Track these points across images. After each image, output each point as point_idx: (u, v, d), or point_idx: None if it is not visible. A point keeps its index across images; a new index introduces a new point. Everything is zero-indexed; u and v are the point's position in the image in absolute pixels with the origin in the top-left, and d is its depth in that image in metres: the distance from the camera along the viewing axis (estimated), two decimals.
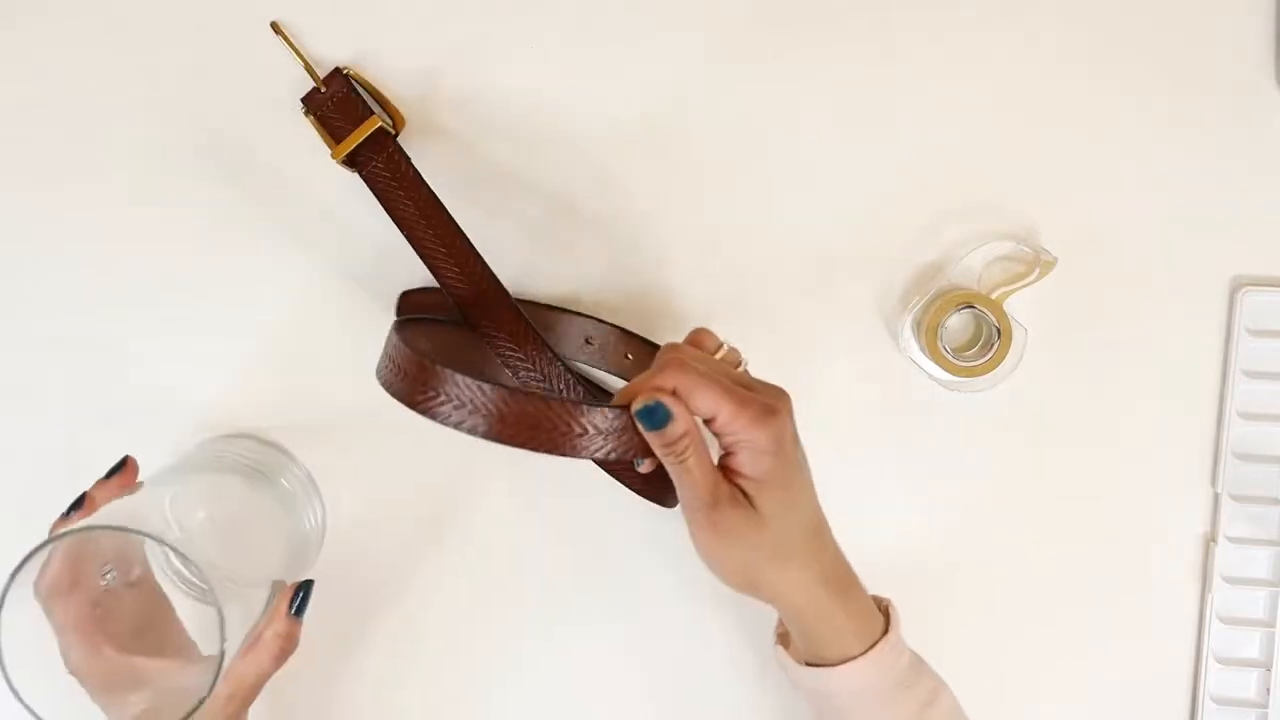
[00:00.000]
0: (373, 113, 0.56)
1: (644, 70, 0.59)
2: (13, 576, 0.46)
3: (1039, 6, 0.58)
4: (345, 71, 0.57)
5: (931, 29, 0.59)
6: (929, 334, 0.59)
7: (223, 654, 0.49)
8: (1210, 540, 0.60)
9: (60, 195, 0.61)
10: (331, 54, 0.58)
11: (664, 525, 0.60)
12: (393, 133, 0.57)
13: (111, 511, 0.51)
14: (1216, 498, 0.60)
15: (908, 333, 0.60)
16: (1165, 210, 0.59)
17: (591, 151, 0.60)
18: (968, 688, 0.62)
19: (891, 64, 0.59)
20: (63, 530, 0.47)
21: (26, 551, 0.47)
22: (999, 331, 0.58)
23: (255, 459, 0.60)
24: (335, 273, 0.61)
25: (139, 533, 0.49)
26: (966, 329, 0.60)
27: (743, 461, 0.48)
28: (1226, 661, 0.60)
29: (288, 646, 0.52)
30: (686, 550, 0.50)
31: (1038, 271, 0.58)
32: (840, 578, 0.51)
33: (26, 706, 0.47)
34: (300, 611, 0.53)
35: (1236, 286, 0.59)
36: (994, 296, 0.59)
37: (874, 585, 0.61)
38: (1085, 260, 0.59)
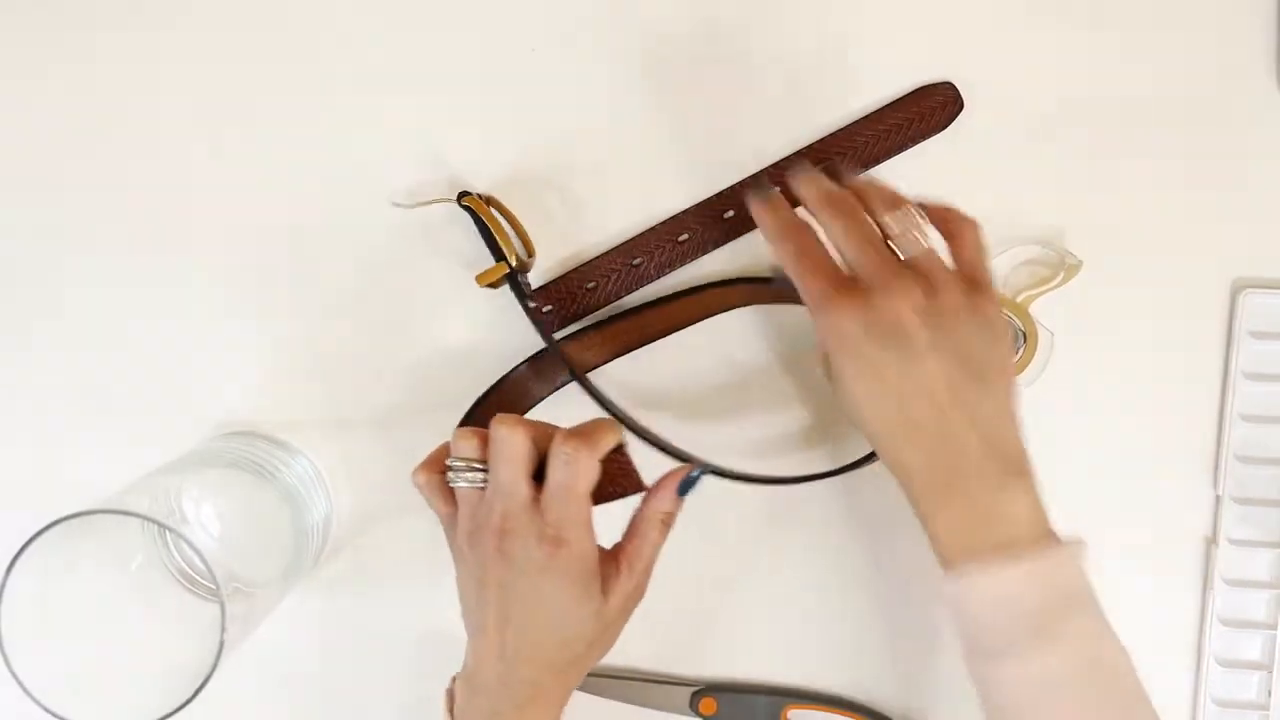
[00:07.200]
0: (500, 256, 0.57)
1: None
2: (12, 564, 0.47)
3: (1039, 6, 0.59)
4: (465, 203, 0.58)
5: (936, 31, 0.59)
6: None
7: (221, 645, 0.49)
8: (1211, 542, 0.60)
9: (72, 198, 0.62)
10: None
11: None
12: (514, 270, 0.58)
13: (118, 501, 0.51)
14: (1218, 500, 0.60)
15: None
16: (1165, 211, 0.59)
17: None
18: (970, 686, 0.62)
19: (902, 68, 0.59)
20: (63, 515, 0.47)
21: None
22: (1025, 335, 0.58)
23: (261, 455, 0.60)
24: (343, 269, 0.62)
25: (148, 518, 0.49)
26: None
27: None
28: (1228, 663, 0.60)
29: (669, 521, 0.51)
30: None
31: (1063, 275, 0.58)
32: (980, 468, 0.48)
33: (28, 692, 0.48)
34: (685, 492, 0.51)
35: (1238, 288, 0.59)
36: (1019, 300, 0.59)
37: (891, 582, 0.62)
38: (1085, 262, 0.59)
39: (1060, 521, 0.60)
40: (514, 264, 0.57)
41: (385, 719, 0.64)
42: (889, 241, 0.49)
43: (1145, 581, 0.61)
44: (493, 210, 0.58)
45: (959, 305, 0.48)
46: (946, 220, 0.50)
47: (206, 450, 0.61)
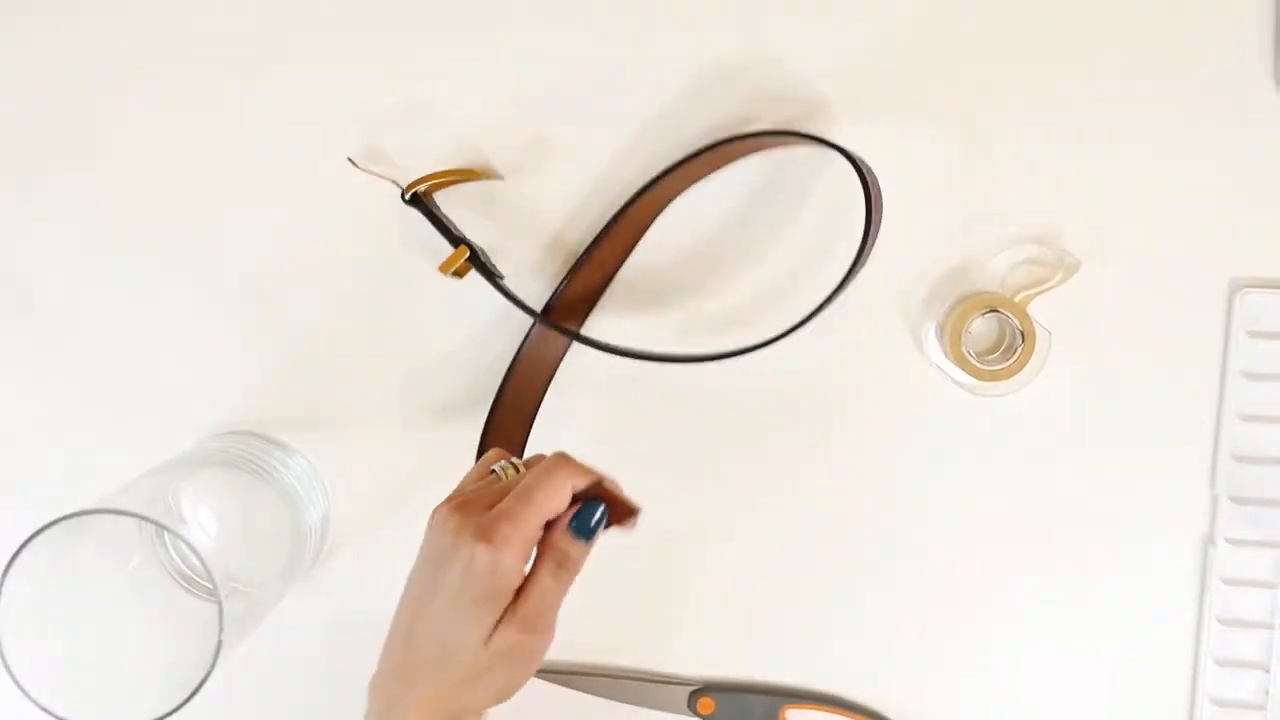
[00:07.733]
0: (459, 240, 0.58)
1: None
2: (9, 565, 0.47)
3: (1039, 8, 0.59)
4: (418, 192, 0.58)
5: (939, 32, 0.59)
6: (953, 338, 0.59)
7: (219, 645, 0.49)
8: (1209, 542, 0.60)
9: (70, 199, 0.62)
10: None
11: (655, 531, 0.60)
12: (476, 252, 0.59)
13: (116, 500, 0.51)
14: (1215, 499, 0.60)
15: (931, 337, 0.60)
16: (1164, 212, 0.59)
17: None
18: (968, 687, 0.62)
19: (911, 73, 0.59)
20: (62, 515, 0.47)
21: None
22: (1023, 335, 0.58)
23: (259, 454, 0.60)
24: (342, 270, 0.62)
25: (145, 518, 0.50)
26: (990, 333, 0.60)
27: None
28: (1225, 663, 0.60)
29: (567, 566, 0.46)
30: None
31: (1061, 275, 0.58)
32: None
33: (26, 692, 0.48)
34: (583, 534, 0.46)
35: (1235, 288, 0.59)
36: (1017, 300, 0.58)
37: (889, 582, 0.62)
38: (1083, 262, 0.59)
39: (1063, 520, 0.61)
40: (475, 246, 0.58)
41: None
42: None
43: (1143, 581, 0.61)
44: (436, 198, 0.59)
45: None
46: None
47: (204, 450, 0.61)
